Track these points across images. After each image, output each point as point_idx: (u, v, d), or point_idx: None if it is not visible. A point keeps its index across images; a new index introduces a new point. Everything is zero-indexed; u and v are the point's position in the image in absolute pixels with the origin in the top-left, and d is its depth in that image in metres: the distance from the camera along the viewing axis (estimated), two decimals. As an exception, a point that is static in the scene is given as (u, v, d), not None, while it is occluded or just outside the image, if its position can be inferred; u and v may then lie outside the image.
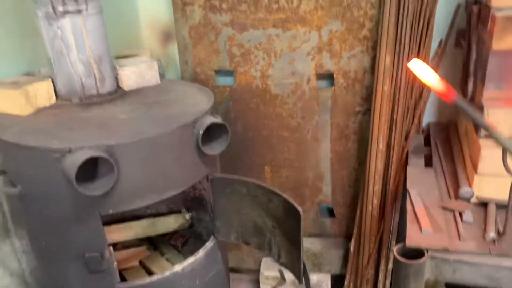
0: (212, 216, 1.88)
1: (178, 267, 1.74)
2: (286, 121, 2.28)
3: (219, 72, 2.30)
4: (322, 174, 2.37)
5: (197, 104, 1.72)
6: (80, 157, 1.31)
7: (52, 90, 1.71)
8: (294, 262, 1.62)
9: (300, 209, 1.49)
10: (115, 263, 1.64)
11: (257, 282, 2.63)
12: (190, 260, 1.77)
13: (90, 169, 1.38)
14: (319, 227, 2.52)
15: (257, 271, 2.61)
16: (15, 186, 1.52)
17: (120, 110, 1.65)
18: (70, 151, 1.35)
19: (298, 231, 1.53)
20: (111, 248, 1.61)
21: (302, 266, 1.54)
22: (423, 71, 0.99)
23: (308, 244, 2.47)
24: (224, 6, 2.13)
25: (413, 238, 1.40)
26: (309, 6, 2.05)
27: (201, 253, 1.80)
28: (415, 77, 1.85)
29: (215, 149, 1.63)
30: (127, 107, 1.68)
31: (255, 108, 2.28)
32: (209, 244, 1.85)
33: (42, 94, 1.66)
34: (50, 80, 1.70)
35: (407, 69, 1.84)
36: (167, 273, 1.71)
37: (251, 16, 2.12)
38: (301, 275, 1.56)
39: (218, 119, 1.62)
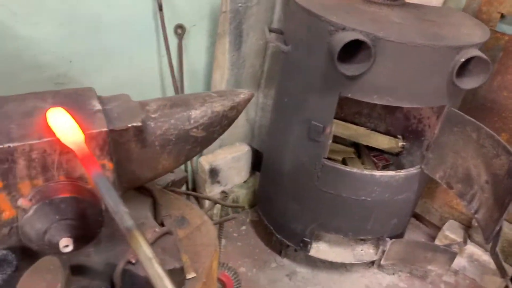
0: (427, 148, 1.90)
1: (377, 172, 1.88)
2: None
3: (504, 17, 2.11)
4: None
5: (468, 35, 1.68)
6: (349, 36, 1.48)
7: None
8: (490, 222, 1.56)
9: (528, 174, 1.40)
10: (329, 141, 1.87)
11: (433, 238, 2.60)
12: (390, 173, 1.88)
13: (348, 53, 1.56)
14: (530, 220, 2.27)
15: (438, 229, 2.57)
16: (287, 45, 1.83)
17: (395, 15, 1.74)
18: (344, 28, 1.54)
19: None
20: (333, 126, 1.82)
21: (498, 228, 1.49)
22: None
23: (508, 229, 2.28)
24: None
25: None
26: None
27: (402, 173, 1.88)
28: None
29: (468, 83, 1.61)
30: (402, 14, 1.75)
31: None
32: (413, 169, 1.90)
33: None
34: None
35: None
36: (365, 171, 1.87)
37: None
38: (492, 235, 1.51)
39: (483, 56, 1.56)
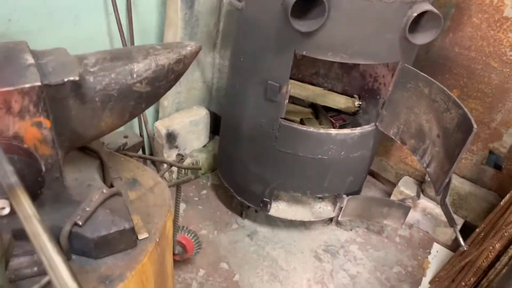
0: (381, 105, 1.92)
1: (333, 131, 1.89)
2: (504, 51, 2.06)
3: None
4: None
5: (422, -10, 1.67)
6: (302, -10, 1.44)
7: None
8: (440, 174, 1.62)
9: (475, 126, 1.44)
10: (286, 101, 1.85)
11: (389, 194, 2.69)
12: (345, 131, 1.90)
13: (303, 9, 1.53)
14: (477, 173, 2.38)
15: (394, 185, 2.66)
16: (240, 2, 1.77)
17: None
18: (297, -18, 1.49)
19: (461, 147, 1.50)
20: (289, 85, 1.81)
21: (447, 180, 1.54)
22: None
23: (458, 183, 2.38)
24: None
25: None
26: None
27: (357, 131, 1.91)
28: None
29: (420, 38, 1.62)
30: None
31: (478, 24, 2.09)
32: (368, 127, 1.93)
33: None
34: None
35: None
36: (321, 130, 1.89)
37: None
38: (442, 187, 1.56)
39: (435, 10, 1.57)
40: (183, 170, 1.77)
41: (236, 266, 2.18)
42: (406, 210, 2.21)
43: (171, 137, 2.44)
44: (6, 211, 0.76)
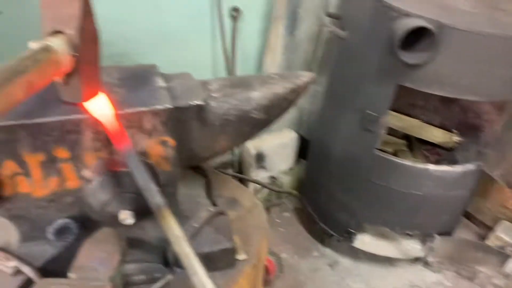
0: (487, 144, 1.80)
1: (431, 166, 1.80)
2: None
3: None
4: None
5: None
6: (413, 22, 1.42)
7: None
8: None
9: None
10: (383, 132, 1.81)
11: (483, 238, 2.49)
12: (445, 168, 1.81)
13: (409, 40, 1.49)
14: None
15: (489, 229, 2.45)
16: (344, 31, 1.78)
17: (464, 2, 1.64)
18: (407, 14, 1.47)
19: None
20: (388, 116, 1.76)
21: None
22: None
23: None
24: None
25: None
26: None
27: (459, 168, 1.80)
28: None
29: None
30: (472, 3, 1.65)
31: None
32: (470, 166, 1.82)
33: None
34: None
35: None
36: (418, 165, 1.81)
37: None
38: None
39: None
40: (274, 192, 1.80)
41: (315, 294, 2.14)
42: (504, 258, 2.03)
43: (259, 158, 2.49)
44: (130, 221, 0.83)
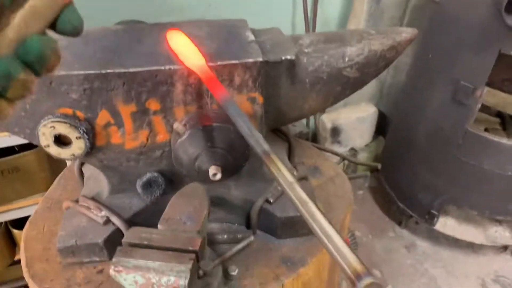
0: None
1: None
2: None
3: None
4: None
5: None
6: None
7: None
8: None
9: None
10: (479, 106, 1.65)
11: None
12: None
13: None
14: None
15: None
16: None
17: None
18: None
19: None
20: (484, 89, 1.61)
21: None
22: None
23: None
24: None
25: None
26: None
27: None
28: None
29: None
30: None
31: None
32: None
33: None
34: None
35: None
36: None
37: None
38: None
39: None
40: (352, 165, 1.72)
41: (389, 276, 2.05)
42: None
43: (335, 132, 2.41)
44: (218, 177, 0.81)
